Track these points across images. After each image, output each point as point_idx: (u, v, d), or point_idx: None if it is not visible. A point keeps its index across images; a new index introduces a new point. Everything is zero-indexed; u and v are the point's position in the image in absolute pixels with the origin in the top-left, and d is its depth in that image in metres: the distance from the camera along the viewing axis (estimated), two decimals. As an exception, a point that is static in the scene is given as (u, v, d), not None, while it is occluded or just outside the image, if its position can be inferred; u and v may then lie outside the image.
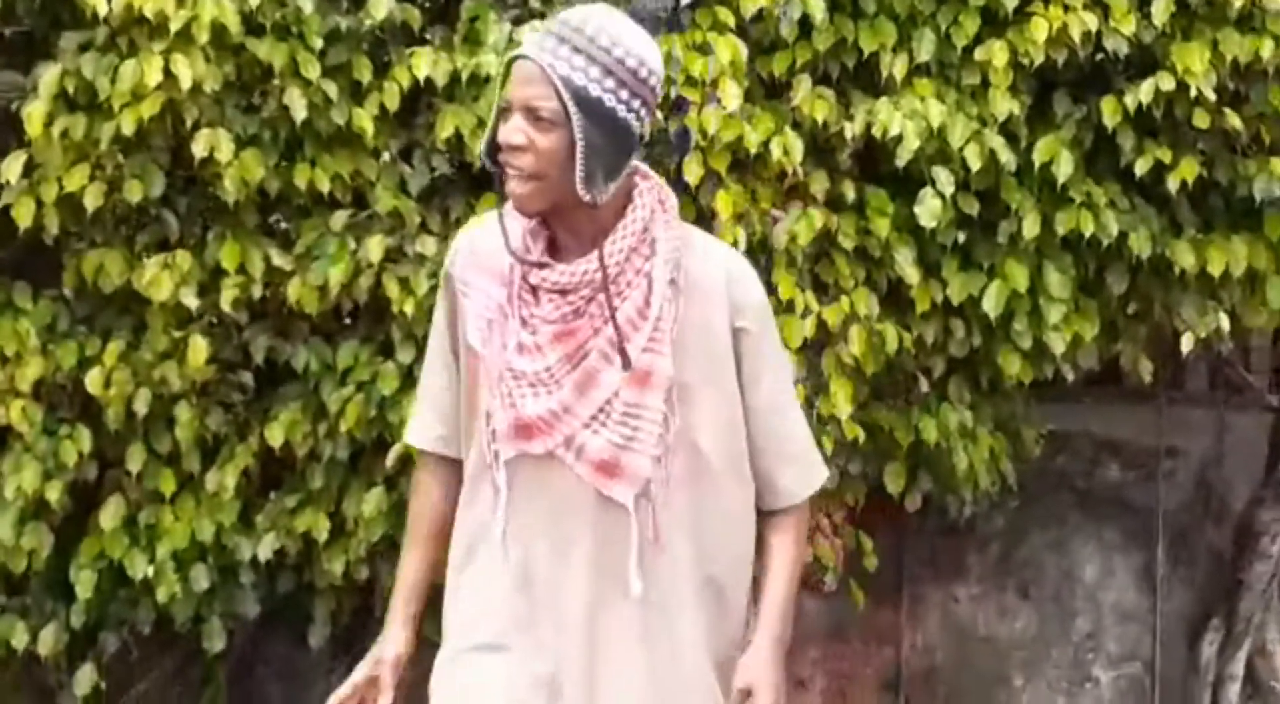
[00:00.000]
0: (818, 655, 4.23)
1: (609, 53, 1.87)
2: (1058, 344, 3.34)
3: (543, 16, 3.13)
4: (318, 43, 3.08)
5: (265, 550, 3.20)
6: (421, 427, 2.12)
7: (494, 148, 1.92)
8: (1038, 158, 3.25)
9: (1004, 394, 3.65)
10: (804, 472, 2.09)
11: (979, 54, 3.24)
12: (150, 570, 3.17)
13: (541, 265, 1.94)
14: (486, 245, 1.99)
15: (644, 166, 1.99)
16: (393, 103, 3.15)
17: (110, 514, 3.19)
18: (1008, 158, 3.21)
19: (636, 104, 1.90)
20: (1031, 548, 4.35)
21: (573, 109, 1.85)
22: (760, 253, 3.23)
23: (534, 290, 1.95)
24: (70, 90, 2.99)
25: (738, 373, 2.01)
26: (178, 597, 3.19)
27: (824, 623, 4.16)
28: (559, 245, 1.97)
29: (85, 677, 3.28)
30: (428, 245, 3.12)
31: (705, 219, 3.21)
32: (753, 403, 2.02)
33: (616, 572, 1.95)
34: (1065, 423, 4.18)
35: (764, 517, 2.08)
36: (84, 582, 3.18)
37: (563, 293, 1.93)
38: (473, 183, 3.28)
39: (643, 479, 1.94)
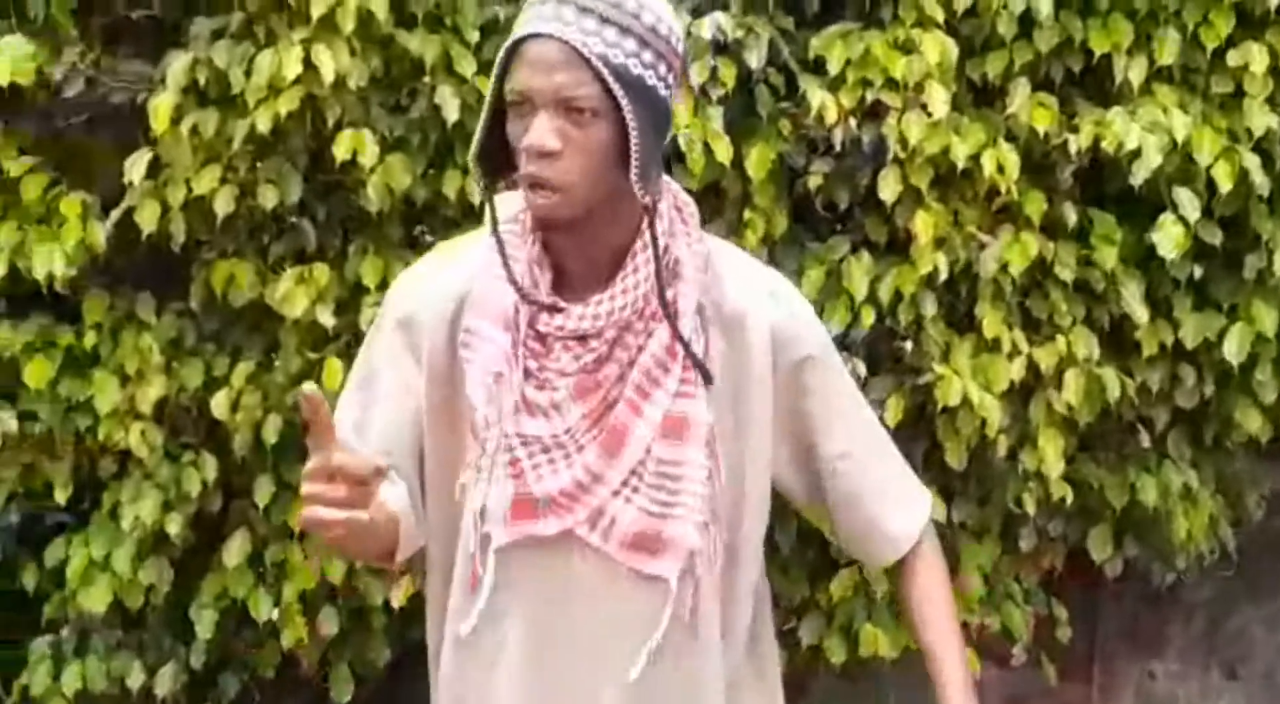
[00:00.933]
0: (998, 734, 3.88)
1: (639, 19, 1.55)
2: (1310, 397, 2.94)
3: (725, 7, 2.82)
4: (474, 36, 2.82)
5: (398, 595, 2.94)
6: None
7: (488, 151, 1.60)
8: (1297, 181, 2.85)
9: (1226, 450, 3.25)
10: (912, 508, 1.83)
11: (1232, 58, 2.85)
12: (276, 612, 2.97)
13: (555, 309, 1.60)
14: (480, 273, 1.64)
15: None
16: (554, 104, 2.87)
17: (235, 550, 2.98)
18: (1262, 180, 2.80)
19: (671, 79, 1.60)
20: (1243, 620, 3.94)
21: (620, 94, 1.52)
22: (963, 282, 2.91)
23: (541, 337, 1.62)
24: (201, 82, 2.77)
25: (803, 408, 1.72)
26: (304, 640, 2.98)
27: (1005, 695, 3.80)
28: (566, 273, 1.64)
29: (204, 720, 3.11)
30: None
31: (900, 242, 2.90)
32: (836, 445, 1.74)
33: (654, 669, 1.65)
34: (1284, 482, 3.78)
35: (889, 572, 1.84)
36: (205, 621, 3.01)
37: (582, 339, 1.61)
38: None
39: (686, 551, 1.63)
